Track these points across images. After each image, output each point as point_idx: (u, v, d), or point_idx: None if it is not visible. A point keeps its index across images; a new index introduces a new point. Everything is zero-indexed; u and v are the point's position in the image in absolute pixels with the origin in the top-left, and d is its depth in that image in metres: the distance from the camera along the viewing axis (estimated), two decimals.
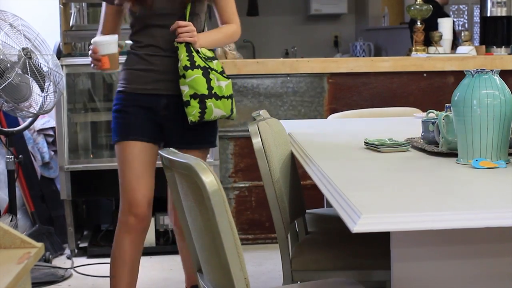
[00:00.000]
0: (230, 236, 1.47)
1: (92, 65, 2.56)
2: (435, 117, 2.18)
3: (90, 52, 2.54)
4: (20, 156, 3.64)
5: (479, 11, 6.09)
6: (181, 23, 2.49)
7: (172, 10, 2.52)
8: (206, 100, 2.47)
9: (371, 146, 2.18)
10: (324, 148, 2.30)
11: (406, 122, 2.88)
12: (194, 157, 1.54)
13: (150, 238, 3.83)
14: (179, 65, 2.47)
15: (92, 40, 2.52)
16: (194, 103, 2.47)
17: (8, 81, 3.17)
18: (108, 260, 3.86)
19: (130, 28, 2.62)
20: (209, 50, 2.59)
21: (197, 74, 2.46)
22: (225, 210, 1.46)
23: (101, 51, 2.49)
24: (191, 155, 2.19)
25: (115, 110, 2.60)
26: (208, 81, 2.49)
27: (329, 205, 2.72)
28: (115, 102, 2.62)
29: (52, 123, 4.12)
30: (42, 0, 4.33)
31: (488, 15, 4.66)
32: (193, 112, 2.47)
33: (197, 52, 2.51)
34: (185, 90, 2.47)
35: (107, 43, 2.48)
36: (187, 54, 2.48)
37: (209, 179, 1.44)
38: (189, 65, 2.47)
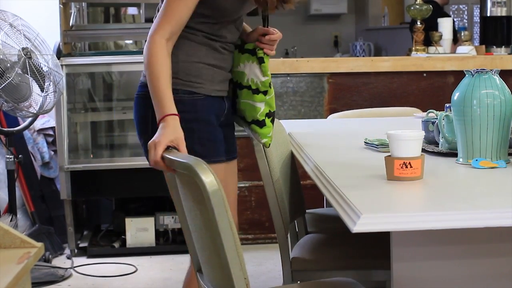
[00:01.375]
0: (230, 236, 1.46)
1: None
2: (435, 117, 2.18)
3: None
4: (20, 156, 3.64)
5: (479, 11, 6.09)
6: (276, 31, 2.05)
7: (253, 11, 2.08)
8: (274, 117, 2.09)
9: (371, 146, 2.18)
10: (324, 148, 2.30)
11: (406, 122, 2.88)
12: (194, 157, 1.53)
13: (149, 238, 3.83)
14: (262, 80, 2.03)
15: (395, 136, 1.68)
16: (269, 123, 2.06)
17: (8, 81, 3.17)
18: (107, 259, 3.88)
19: (205, 18, 1.98)
20: None
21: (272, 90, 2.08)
22: (225, 210, 1.45)
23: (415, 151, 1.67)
24: (235, 165, 2.18)
25: (201, 119, 1.98)
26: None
27: (329, 205, 2.71)
28: (193, 108, 1.97)
29: (52, 123, 4.12)
30: (42, 0, 4.33)
31: (488, 15, 4.66)
32: (269, 133, 2.06)
33: None
34: (262, 108, 2.04)
35: (420, 140, 1.70)
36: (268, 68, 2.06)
37: (209, 179, 1.43)
38: (271, 81, 2.06)
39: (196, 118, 1.96)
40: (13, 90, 3.21)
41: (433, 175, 1.73)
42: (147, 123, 1.97)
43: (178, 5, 1.88)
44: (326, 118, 3.72)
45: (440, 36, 4.38)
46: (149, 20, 5.33)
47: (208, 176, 1.44)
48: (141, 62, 4.34)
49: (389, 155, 1.69)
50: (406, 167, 1.64)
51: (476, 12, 7.21)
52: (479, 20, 6.01)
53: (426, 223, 1.36)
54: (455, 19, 6.43)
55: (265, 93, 2.03)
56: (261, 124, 2.04)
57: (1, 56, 3.18)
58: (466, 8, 7.49)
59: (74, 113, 4.12)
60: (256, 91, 2.03)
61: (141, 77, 2.05)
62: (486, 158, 1.82)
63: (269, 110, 2.05)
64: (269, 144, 2.07)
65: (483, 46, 4.45)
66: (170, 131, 1.79)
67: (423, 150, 2.04)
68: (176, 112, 1.84)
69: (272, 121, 2.07)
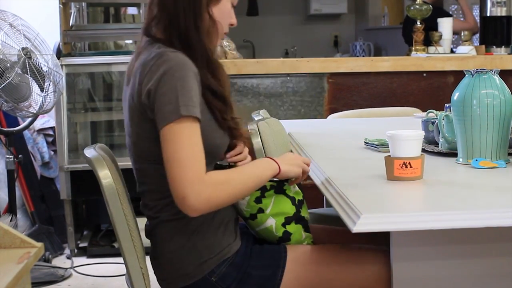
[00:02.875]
0: (125, 226, 1.62)
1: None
2: (435, 117, 2.18)
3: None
4: (20, 156, 3.64)
5: (478, 11, 6.08)
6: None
7: None
8: (297, 217, 1.81)
9: (371, 146, 2.18)
10: (324, 148, 2.30)
11: (406, 122, 2.88)
12: (97, 154, 1.71)
13: None
14: (245, 205, 1.80)
15: (395, 136, 1.68)
16: (294, 228, 1.80)
17: (8, 81, 3.17)
18: (107, 260, 3.88)
19: None
20: None
21: None
22: (119, 202, 1.61)
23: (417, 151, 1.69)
24: None
25: (250, 267, 1.73)
26: None
27: (329, 205, 2.72)
28: (237, 269, 1.72)
29: (52, 123, 4.12)
30: (42, 0, 4.33)
31: (488, 15, 4.66)
32: (301, 237, 1.82)
33: None
34: (272, 223, 1.78)
35: (419, 140, 1.69)
36: None
37: (103, 172, 1.62)
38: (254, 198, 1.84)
39: (245, 272, 1.70)
40: (13, 90, 3.21)
41: (433, 175, 1.73)
42: None
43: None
44: (326, 118, 3.72)
45: (440, 36, 4.37)
46: None
47: (103, 170, 1.63)
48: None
49: (389, 155, 1.69)
50: (406, 167, 1.64)
51: (476, 12, 7.21)
52: (478, 20, 6.00)
53: (426, 223, 1.36)
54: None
55: (260, 211, 1.77)
56: (286, 237, 1.77)
57: (1, 56, 3.18)
58: None
59: (74, 113, 4.11)
60: (253, 217, 1.78)
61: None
62: (486, 158, 1.82)
63: (285, 218, 1.77)
64: (312, 242, 1.82)
65: (483, 46, 4.45)
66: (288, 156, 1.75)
67: (423, 150, 2.04)
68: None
69: (300, 222, 1.79)
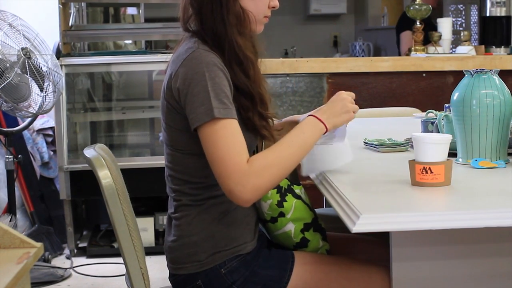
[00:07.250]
0: (124, 226, 1.61)
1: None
2: (435, 117, 2.18)
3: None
4: (19, 156, 3.64)
5: (477, 11, 6.09)
6: None
7: None
8: (316, 224, 1.85)
9: (370, 146, 2.18)
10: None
11: (405, 122, 2.88)
12: (96, 153, 1.71)
13: (149, 238, 3.83)
14: (266, 208, 1.81)
15: (417, 139, 1.62)
16: (312, 235, 1.82)
17: (8, 81, 3.17)
18: (107, 260, 3.88)
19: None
20: None
21: None
22: (118, 201, 1.61)
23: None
24: None
25: (259, 267, 1.76)
26: None
27: (328, 205, 2.71)
28: (248, 268, 1.74)
29: (52, 123, 4.12)
30: (41, 0, 4.33)
31: (488, 15, 4.66)
32: (318, 245, 1.84)
33: None
34: (291, 228, 1.80)
35: (443, 144, 1.62)
36: None
37: (103, 172, 1.63)
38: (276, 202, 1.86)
39: (252, 271, 1.71)
40: (13, 90, 3.21)
41: None
42: None
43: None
44: None
45: (440, 36, 4.38)
46: (148, 20, 5.35)
47: (103, 170, 1.63)
48: (140, 62, 4.35)
49: (413, 159, 1.63)
50: (426, 172, 1.57)
51: (475, 12, 7.22)
52: (477, 20, 6.00)
53: (426, 223, 1.36)
54: (453, 19, 6.43)
55: (281, 214, 1.77)
56: (304, 243, 1.79)
57: (1, 56, 3.18)
58: (464, 8, 7.49)
59: (74, 113, 4.11)
60: (274, 220, 1.79)
61: None
62: (485, 158, 1.82)
63: (303, 224, 1.79)
64: (327, 250, 1.83)
65: (483, 46, 4.45)
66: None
67: None
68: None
69: (318, 230, 1.81)
